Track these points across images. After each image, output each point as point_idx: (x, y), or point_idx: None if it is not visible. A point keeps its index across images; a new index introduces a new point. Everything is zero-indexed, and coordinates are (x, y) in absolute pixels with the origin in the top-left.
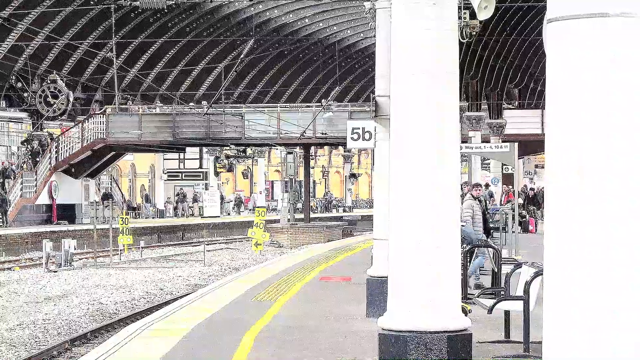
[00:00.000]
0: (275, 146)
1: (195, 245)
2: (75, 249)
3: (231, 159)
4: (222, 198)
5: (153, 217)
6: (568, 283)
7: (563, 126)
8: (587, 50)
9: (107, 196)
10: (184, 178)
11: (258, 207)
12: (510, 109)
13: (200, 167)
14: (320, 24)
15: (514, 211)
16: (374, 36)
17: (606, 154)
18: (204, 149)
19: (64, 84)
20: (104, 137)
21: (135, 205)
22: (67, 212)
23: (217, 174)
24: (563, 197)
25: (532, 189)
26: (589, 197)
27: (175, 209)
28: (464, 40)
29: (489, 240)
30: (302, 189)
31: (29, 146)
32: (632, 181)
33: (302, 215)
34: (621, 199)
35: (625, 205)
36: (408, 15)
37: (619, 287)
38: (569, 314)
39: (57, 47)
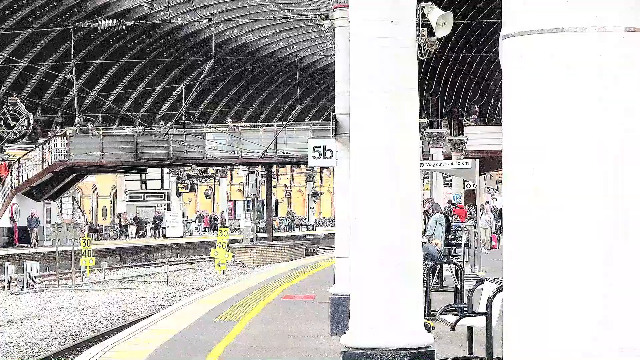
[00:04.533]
0: (236, 166)
1: (158, 266)
2: (37, 271)
3: (193, 179)
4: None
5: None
6: (526, 300)
7: (519, 142)
8: (542, 66)
9: (31, 219)
10: (145, 199)
11: (221, 227)
12: (470, 125)
13: (162, 187)
14: (281, 43)
15: (475, 227)
16: (334, 54)
17: (562, 170)
18: (166, 170)
19: (24, 107)
20: (65, 159)
21: (98, 227)
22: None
23: (179, 194)
24: (519, 214)
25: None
26: (545, 215)
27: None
28: (423, 58)
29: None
30: (265, 208)
31: None
32: (589, 197)
33: (265, 235)
34: (578, 215)
35: (582, 222)
36: (366, 33)
37: (577, 303)
38: (528, 329)
39: (16, 69)
